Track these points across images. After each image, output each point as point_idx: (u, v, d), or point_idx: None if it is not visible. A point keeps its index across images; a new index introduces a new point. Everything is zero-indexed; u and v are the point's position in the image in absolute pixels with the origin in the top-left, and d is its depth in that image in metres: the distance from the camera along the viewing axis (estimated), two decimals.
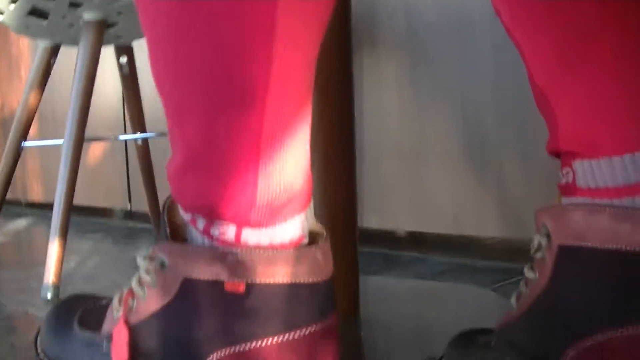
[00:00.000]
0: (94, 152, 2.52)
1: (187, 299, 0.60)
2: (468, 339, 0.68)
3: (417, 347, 0.82)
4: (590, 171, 0.58)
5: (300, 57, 0.57)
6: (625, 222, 0.54)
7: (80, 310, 0.72)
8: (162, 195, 2.09)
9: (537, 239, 0.60)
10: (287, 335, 0.59)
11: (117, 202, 2.46)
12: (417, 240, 1.63)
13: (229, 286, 0.59)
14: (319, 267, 0.60)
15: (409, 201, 1.42)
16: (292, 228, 0.61)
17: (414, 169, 1.40)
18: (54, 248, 1.27)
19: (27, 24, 1.40)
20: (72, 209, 1.34)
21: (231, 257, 0.59)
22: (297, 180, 0.60)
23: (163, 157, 2.21)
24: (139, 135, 1.75)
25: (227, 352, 0.59)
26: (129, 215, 2.58)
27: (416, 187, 1.40)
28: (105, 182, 2.49)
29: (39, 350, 0.72)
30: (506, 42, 1.22)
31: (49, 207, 3.06)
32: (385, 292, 1.13)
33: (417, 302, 1.05)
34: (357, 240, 0.97)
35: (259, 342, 0.59)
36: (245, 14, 0.53)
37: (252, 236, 0.60)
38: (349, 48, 0.96)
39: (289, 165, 0.59)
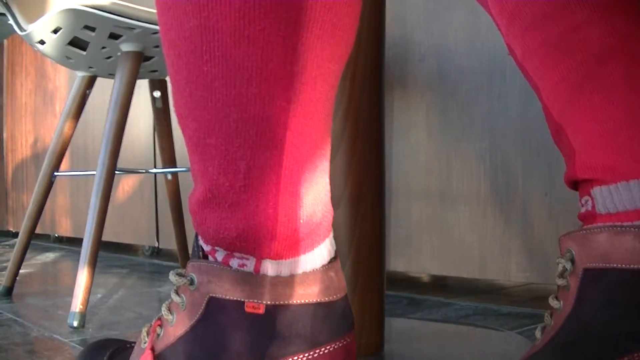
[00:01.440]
0: (123, 188, 2.54)
1: (212, 318, 0.61)
2: None
3: None
4: (609, 196, 0.58)
5: (319, 95, 0.58)
6: None
7: (109, 351, 0.73)
8: (190, 231, 2.11)
9: (562, 264, 0.60)
10: (307, 354, 0.59)
11: (145, 239, 2.47)
12: (443, 285, 1.63)
13: (249, 307, 0.59)
14: (333, 286, 0.60)
15: (436, 245, 1.42)
16: (312, 258, 0.61)
17: (440, 211, 1.40)
18: (82, 277, 1.28)
19: (67, 54, 1.43)
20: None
21: (251, 280, 0.59)
22: (317, 213, 0.60)
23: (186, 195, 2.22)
24: (169, 169, 1.76)
25: None
26: (156, 252, 2.59)
27: (443, 230, 1.40)
28: (134, 218, 2.51)
29: None
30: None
31: (76, 241, 3.09)
32: (409, 333, 1.12)
33: (441, 343, 1.04)
34: (384, 281, 0.97)
35: None
36: (263, 60, 0.54)
37: (271, 268, 0.60)
38: (382, 89, 0.96)
39: (309, 198, 0.59)
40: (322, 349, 0.60)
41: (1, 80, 3.62)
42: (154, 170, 1.84)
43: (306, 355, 0.59)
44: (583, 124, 0.59)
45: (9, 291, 1.67)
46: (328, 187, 0.63)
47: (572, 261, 0.59)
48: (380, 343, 0.96)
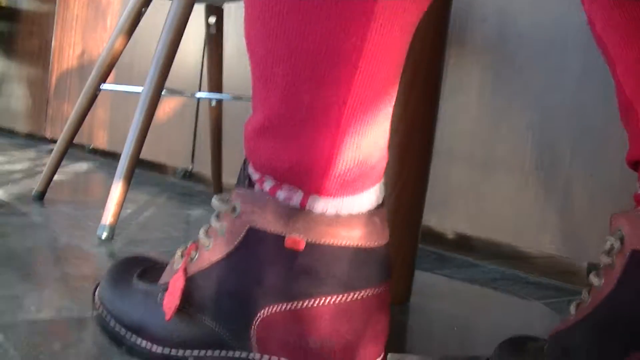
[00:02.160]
0: (164, 109, 2.55)
1: (249, 248, 0.61)
2: (518, 344, 0.67)
3: (458, 343, 0.82)
4: None
5: (394, 39, 0.56)
6: None
7: (140, 267, 0.74)
8: (226, 159, 2.11)
9: (610, 242, 0.59)
10: (341, 296, 0.59)
11: (179, 161, 2.48)
12: (473, 246, 1.62)
13: (289, 242, 0.59)
14: (376, 232, 0.60)
15: (471, 206, 1.41)
16: (360, 202, 0.61)
17: (481, 176, 1.39)
18: (116, 191, 1.28)
19: None
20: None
21: (295, 215, 0.59)
22: (372, 157, 0.60)
23: (233, 121, 2.23)
24: (215, 95, 1.76)
25: (279, 309, 0.60)
26: (188, 175, 2.61)
27: (480, 194, 1.39)
28: (171, 140, 2.52)
29: (98, 301, 0.73)
30: (595, 66, 1.20)
31: (110, 155, 3.11)
32: (435, 288, 1.12)
33: (465, 302, 1.04)
34: (419, 232, 0.97)
35: (313, 302, 0.59)
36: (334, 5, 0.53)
37: (318, 204, 0.60)
38: (443, 45, 0.95)
39: (367, 141, 0.59)
40: (356, 294, 0.59)
41: None
42: (200, 95, 1.83)
43: (339, 297, 0.59)
44: None
45: (41, 195, 1.68)
46: (387, 134, 0.62)
47: (621, 240, 0.58)
48: (407, 294, 0.96)
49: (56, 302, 0.86)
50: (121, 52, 1.58)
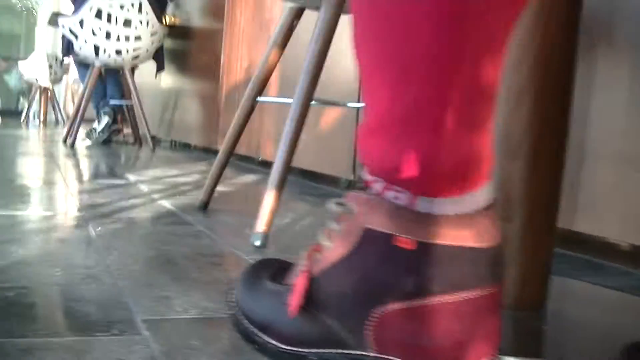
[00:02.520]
0: (326, 120, 2.61)
1: (365, 248, 0.64)
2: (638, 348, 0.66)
3: (594, 352, 0.81)
4: None
5: (494, 38, 0.57)
6: None
7: (272, 269, 0.78)
8: None
9: None
10: (451, 296, 0.60)
11: (342, 171, 2.53)
12: (628, 252, 1.57)
13: (400, 242, 0.61)
14: (485, 233, 0.61)
15: (624, 211, 1.37)
16: (466, 202, 0.62)
17: (633, 176, 1.35)
18: (268, 200, 1.34)
19: None
20: (299, 173, 1.41)
21: (405, 215, 0.61)
22: (475, 158, 0.61)
23: None
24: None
25: (393, 307, 0.62)
26: (353, 185, 2.66)
27: (632, 196, 1.35)
28: (333, 150, 2.57)
29: (233, 302, 0.78)
30: None
31: (295, 171, 3.21)
32: (575, 294, 1.10)
33: (604, 309, 1.02)
34: (553, 238, 0.96)
35: (425, 301, 0.61)
36: (427, 19, 0.55)
37: (424, 205, 0.61)
38: (575, 44, 0.94)
39: (469, 142, 0.60)
40: (466, 294, 0.61)
41: (223, 8, 3.78)
42: (352, 104, 1.87)
43: (450, 297, 0.61)
44: None
45: (205, 205, 1.78)
46: (490, 135, 0.63)
47: None
48: (542, 300, 0.96)
49: (202, 303, 0.91)
50: (275, 64, 1.64)
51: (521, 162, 0.92)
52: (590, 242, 1.70)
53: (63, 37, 4.18)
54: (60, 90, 9.18)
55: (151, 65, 4.63)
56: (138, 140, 4.84)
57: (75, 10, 4.08)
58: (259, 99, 1.67)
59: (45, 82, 7.32)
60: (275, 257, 0.82)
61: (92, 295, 0.92)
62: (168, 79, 5.02)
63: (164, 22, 4.43)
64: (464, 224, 0.61)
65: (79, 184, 2.20)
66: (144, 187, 2.21)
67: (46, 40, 9.14)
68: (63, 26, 4.08)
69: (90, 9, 3.98)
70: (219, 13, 3.89)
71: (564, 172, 0.96)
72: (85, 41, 4.03)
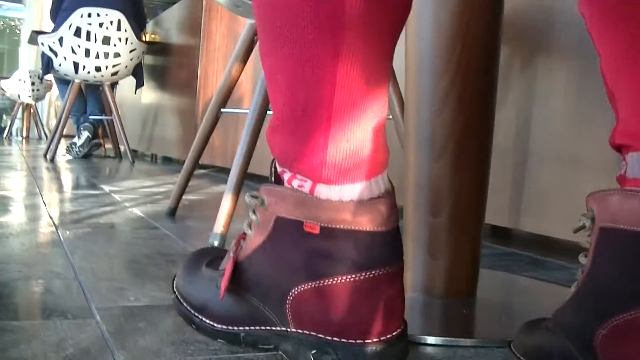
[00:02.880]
0: None
1: (278, 235, 0.72)
2: (534, 324, 0.74)
3: (510, 331, 0.88)
4: (637, 163, 0.63)
5: (371, 45, 0.66)
6: None
7: (209, 257, 0.87)
8: None
9: (582, 221, 0.65)
10: (354, 276, 0.68)
11: None
12: (569, 249, 1.66)
13: (307, 227, 0.69)
14: (381, 218, 0.69)
15: (563, 210, 1.45)
16: (360, 189, 0.69)
17: (571, 177, 1.44)
18: (226, 203, 1.42)
19: (236, 3, 1.56)
20: (264, 180, 1.49)
21: (309, 202, 0.70)
22: (365, 149, 0.69)
23: None
24: None
25: (305, 287, 0.70)
26: None
27: (571, 196, 1.43)
28: None
29: (174, 287, 0.87)
30: None
31: (255, 178, 3.29)
32: (505, 285, 1.19)
33: (532, 299, 1.10)
34: (480, 234, 1.04)
35: (332, 280, 0.68)
36: (316, 12, 0.64)
37: (323, 191, 0.69)
38: (496, 50, 1.02)
39: (356, 135, 0.68)
40: (367, 273, 0.68)
41: (199, 23, 3.87)
42: None
43: (353, 277, 0.68)
44: (628, 93, 0.64)
45: (173, 212, 1.85)
46: (383, 131, 0.71)
47: (593, 220, 0.65)
48: (470, 290, 1.04)
49: (153, 293, 0.99)
50: (238, 77, 1.72)
51: (446, 160, 1.00)
52: (534, 240, 1.79)
53: (43, 54, 4.26)
54: (43, 107, 9.23)
55: (131, 81, 4.70)
56: (118, 154, 4.91)
57: (55, 29, 4.16)
58: (223, 110, 1.75)
59: (28, 99, 7.38)
60: (213, 247, 0.90)
61: (52, 288, 1.00)
62: (148, 95, 5.09)
63: (143, 39, 4.51)
64: (362, 210, 0.68)
65: (55, 194, 2.27)
66: (118, 197, 2.28)
67: (29, 58, 9.19)
68: (42, 44, 4.16)
69: (69, 26, 4.06)
70: (195, 29, 3.98)
71: (489, 170, 1.04)
72: (65, 58, 4.11)
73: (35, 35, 4.70)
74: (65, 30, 4.06)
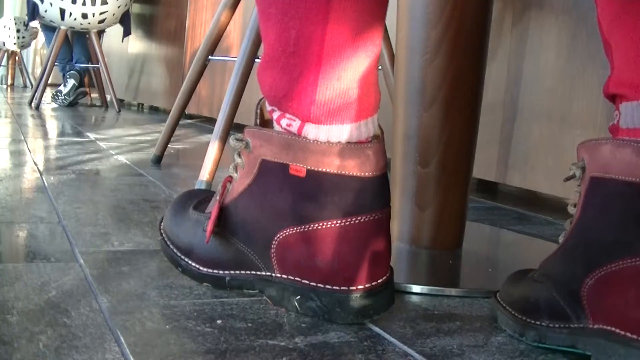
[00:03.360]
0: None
1: (263, 178, 0.71)
2: (520, 274, 0.74)
3: (496, 282, 0.88)
4: (630, 112, 0.62)
5: None
6: None
7: (197, 199, 0.85)
8: None
9: (573, 170, 0.65)
10: (340, 221, 0.68)
11: None
12: (556, 205, 1.66)
13: (292, 170, 0.69)
14: (369, 164, 0.68)
15: (550, 165, 1.45)
16: (349, 131, 0.69)
17: (560, 133, 1.43)
18: (212, 150, 1.41)
19: None
20: (238, 127, 1.47)
21: (295, 145, 0.69)
22: (355, 89, 0.68)
23: None
24: None
25: (291, 231, 0.69)
26: None
27: (559, 152, 1.43)
28: None
29: (161, 229, 0.85)
30: None
31: (241, 128, 3.27)
32: (491, 238, 1.19)
33: (516, 252, 1.10)
34: (468, 185, 1.03)
35: (317, 225, 0.68)
36: None
37: (311, 131, 0.69)
38: (489, 2, 1.01)
39: (348, 74, 0.67)
40: (353, 219, 0.68)
41: None
42: None
43: (339, 222, 0.68)
44: (623, 43, 0.63)
45: (158, 160, 1.84)
46: (375, 72, 0.70)
47: (583, 169, 0.64)
48: (458, 242, 1.03)
49: (137, 238, 0.99)
50: (227, 25, 1.70)
51: (436, 110, 0.99)
52: (520, 195, 1.79)
53: (28, 0, 4.19)
54: (28, 55, 9.13)
55: (118, 29, 4.65)
56: (104, 103, 4.87)
57: None
58: (211, 57, 1.73)
59: (13, 46, 7.29)
60: (199, 189, 0.89)
61: (35, 232, 0.99)
62: (135, 44, 5.04)
63: None
64: (349, 153, 0.68)
65: (39, 141, 2.25)
66: (103, 145, 2.26)
67: (14, 5, 9.07)
68: None
69: None
70: None
71: (478, 121, 1.03)
72: (51, 4, 4.05)
73: None
74: None
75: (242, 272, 0.75)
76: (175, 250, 0.81)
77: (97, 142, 2.34)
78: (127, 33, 4.54)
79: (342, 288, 0.68)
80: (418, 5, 0.99)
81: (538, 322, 0.66)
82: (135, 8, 4.99)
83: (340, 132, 0.68)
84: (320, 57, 0.67)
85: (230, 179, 0.76)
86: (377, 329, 0.70)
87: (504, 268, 0.94)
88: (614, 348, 0.59)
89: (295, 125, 0.70)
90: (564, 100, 1.42)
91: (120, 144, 2.32)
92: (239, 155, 0.74)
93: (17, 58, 8.01)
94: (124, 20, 4.45)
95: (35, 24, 5.02)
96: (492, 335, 0.70)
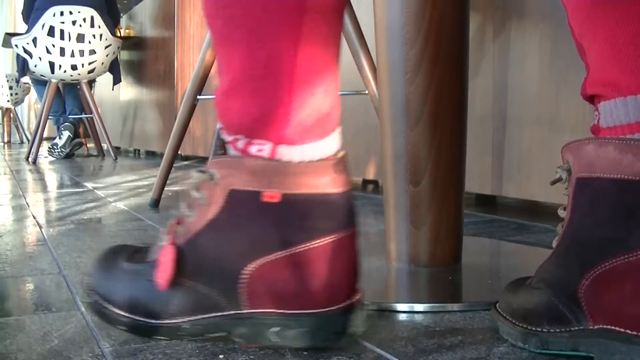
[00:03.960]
0: None
1: (231, 210, 0.68)
2: (518, 283, 0.74)
3: (496, 294, 0.88)
4: (609, 111, 0.62)
5: (332, 3, 0.67)
6: (627, 153, 0.58)
7: (128, 253, 0.78)
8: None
9: (559, 173, 0.65)
10: (315, 241, 0.66)
11: None
12: (555, 212, 1.66)
13: (266, 197, 0.67)
14: (340, 179, 0.68)
15: (544, 172, 1.46)
16: (321, 148, 0.69)
17: (551, 139, 1.44)
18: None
19: None
20: None
21: (267, 169, 0.67)
22: (325, 104, 0.68)
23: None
24: None
25: (264, 261, 0.67)
26: None
27: (554, 157, 1.43)
28: None
29: (91, 291, 0.75)
30: None
31: None
32: (491, 250, 1.19)
33: (516, 262, 1.10)
34: (461, 200, 1.03)
35: (292, 250, 0.66)
36: None
37: (285, 152, 0.67)
38: (465, 13, 1.02)
39: (319, 89, 0.68)
40: (330, 238, 0.67)
41: (172, 14, 3.85)
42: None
43: (316, 242, 0.66)
44: (595, 43, 0.64)
45: (156, 203, 1.85)
46: (337, 84, 0.70)
47: (569, 171, 0.64)
48: (456, 257, 1.03)
49: None
50: (212, 63, 1.71)
51: (422, 128, 0.99)
52: (519, 206, 1.79)
53: (18, 56, 4.23)
54: (23, 111, 9.18)
55: (109, 78, 4.68)
56: (101, 152, 4.89)
57: (28, 29, 4.13)
58: (199, 97, 1.74)
59: (7, 103, 7.33)
60: (127, 244, 0.83)
61: (37, 284, 0.99)
62: (126, 90, 5.07)
63: (119, 35, 4.48)
64: (322, 171, 0.67)
65: (38, 194, 2.26)
66: (101, 193, 2.27)
67: (5, 62, 9.13)
68: (16, 46, 4.13)
69: (43, 26, 4.03)
70: (169, 20, 3.96)
71: (465, 135, 1.04)
72: (40, 59, 4.08)
73: (8, 37, 4.66)
74: (39, 30, 4.03)
75: (202, 316, 0.69)
76: (114, 309, 0.73)
77: (95, 191, 2.35)
78: (117, 81, 4.58)
79: (325, 310, 0.67)
80: (395, 26, 1.00)
81: (539, 329, 0.66)
82: (124, 55, 5.03)
83: (313, 150, 0.68)
84: (293, 77, 0.66)
85: (180, 221, 0.72)
86: (379, 350, 0.70)
87: (505, 278, 0.94)
88: (615, 346, 0.59)
89: (267, 149, 0.68)
90: (551, 106, 1.43)
91: (118, 191, 2.33)
92: (198, 190, 0.70)
93: (11, 115, 8.05)
94: (113, 68, 4.48)
95: (26, 79, 5.05)
96: (495, 347, 0.70)
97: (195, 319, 0.69)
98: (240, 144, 0.69)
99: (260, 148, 0.68)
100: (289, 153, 0.67)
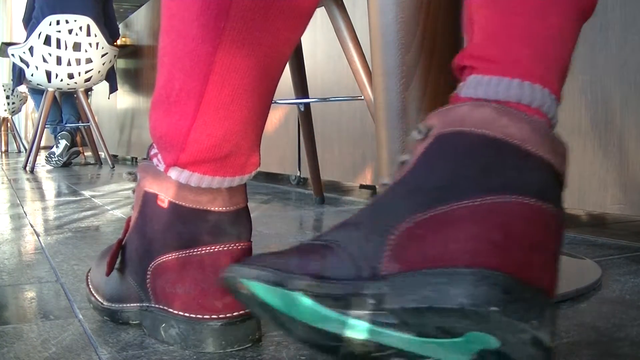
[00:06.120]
0: (271, 120, 2.69)
1: (144, 209, 0.75)
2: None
3: None
4: (475, 84, 0.60)
5: (247, 49, 0.69)
6: (503, 116, 0.56)
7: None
8: (324, 159, 2.22)
9: (413, 135, 0.61)
10: (193, 250, 0.71)
11: (289, 168, 2.61)
12: (587, 220, 1.66)
13: (159, 200, 0.73)
14: (222, 200, 0.72)
15: (579, 180, 1.46)
16: (209, 181, 0.72)
17: (585, 147, 1.44)
18: None
19: None
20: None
21: (161, 177, 0.73)
22: (224, 147, 0.71)
23: (325, 123, 2.32)
24: (300, 100, 1.87)
25: (160, 260, 0.73)
26: (302, 181, 2.74)
27: (588, 165, 1.43)
28: (279, 149, 2.65)
29: (88, 280, 0.88)
30: (634, 22, 1.24)
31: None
32: None
33: None
34: None
35: (178, 254, 0.72)
36: (198, 12, 0.67)
37: (174, 172, 0.72)
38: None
39: (219, 134, 0.70)
40: (207, 249, 0.71)
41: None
42: (281, 101, 1.95)
43: (194, 251, 0.71)
44: (485, 20, 0.62)
45: None
46: (253, 137, 0.73)
47: (427, 132, 0.59)
48: None
49: None
50: None
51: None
52: None
53: (14, 66, 4.23)
54: (20, 120, 9.18)
55: (105, 86, 4.68)
56: (98, 160, 4.89)
57: (26, 39, 4.14)
58: None
59: (4, 113, 7.33)
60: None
61: (35, 292, 0.99)
62: (123, 99, 5.08)
63: (115, 43, 4.49)
64: (202, 192, 0.72)
65: (36, 203, 2.26)
66: (98, 201, 2.27)
67: (2, 72, 9.14)
68: (13, 55, 4.13)
69: (39, 35, 4.03)
70: None
71: None
72: (37, 68, 4.08)
73: (5, 47, 4.66)
74: (35, 40, 4.03)
75: (129, 304, 0.79)
76: (90, 288, 0.85)
77: (93, 199, 2.36)
78: (113, 89, 4.58)
79: (198, 316, 0.72)
80: (390, 31, 1.00)
81: None
82: (120, 63, 5.04)
83: (201, 180, 0.72)
84: (196, 111, 0.70)
85: (129, 219, 0.81)
86: None
87: None
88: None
89: (162, 165, 0.74)
90: (574, 112, 1.43)
91: (116, 199, 2.33)
92: (133, 191, 0.79)
93: (9, 124, 8.05)
94: (110, 76, 4.48)
95: (23, 88, 5.06)
96: None
97: (125, 306, 0.80)
98: (152, 151, 0.77)
99: (158, 163, 0.75)
100: (177, 174, 0.72)
